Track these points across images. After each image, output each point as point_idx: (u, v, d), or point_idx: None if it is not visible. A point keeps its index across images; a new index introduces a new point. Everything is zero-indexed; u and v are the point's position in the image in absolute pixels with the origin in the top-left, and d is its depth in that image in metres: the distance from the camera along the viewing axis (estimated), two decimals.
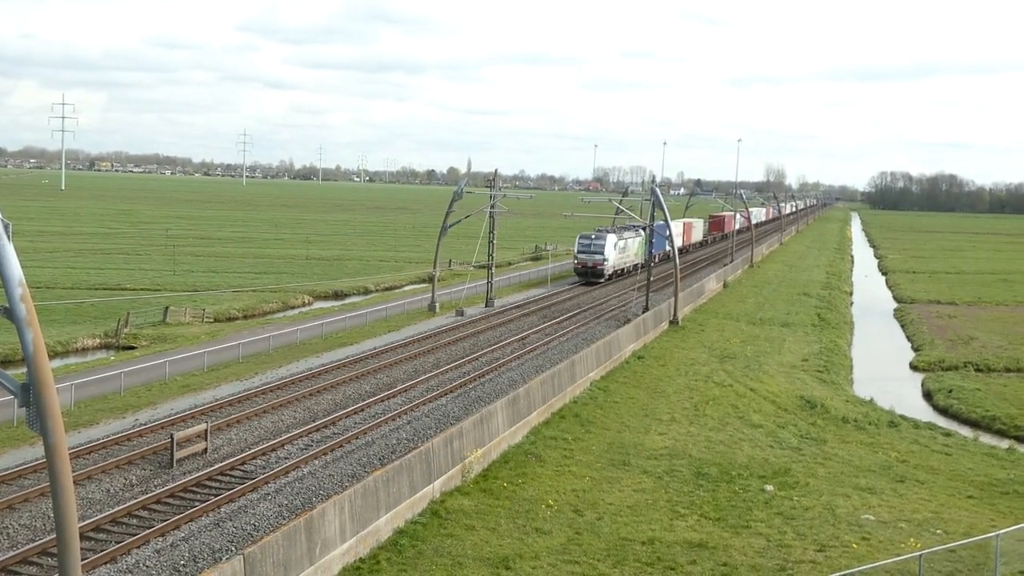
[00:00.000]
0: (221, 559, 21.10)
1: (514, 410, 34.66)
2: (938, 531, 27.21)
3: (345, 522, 23.14)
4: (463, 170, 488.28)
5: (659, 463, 32.87)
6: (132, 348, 52.25)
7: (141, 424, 32.50)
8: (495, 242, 67.69)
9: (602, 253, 77.87)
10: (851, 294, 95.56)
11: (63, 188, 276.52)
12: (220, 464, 27.77)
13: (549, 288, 77.54)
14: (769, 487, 30.64)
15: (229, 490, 25.68)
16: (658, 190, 68.71)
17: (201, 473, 26.94)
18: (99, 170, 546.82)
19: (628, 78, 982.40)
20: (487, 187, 68.27)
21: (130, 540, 21.85)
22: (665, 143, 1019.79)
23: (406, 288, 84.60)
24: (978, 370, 55.70)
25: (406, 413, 34.80)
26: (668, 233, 72.48)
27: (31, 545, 21.45)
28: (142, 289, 75.35)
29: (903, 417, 42.14)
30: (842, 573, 23.22)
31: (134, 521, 23.77)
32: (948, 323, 74.10)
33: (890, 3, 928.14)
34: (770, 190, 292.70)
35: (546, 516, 27.18)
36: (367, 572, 23.02)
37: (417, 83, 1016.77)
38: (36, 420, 16.50)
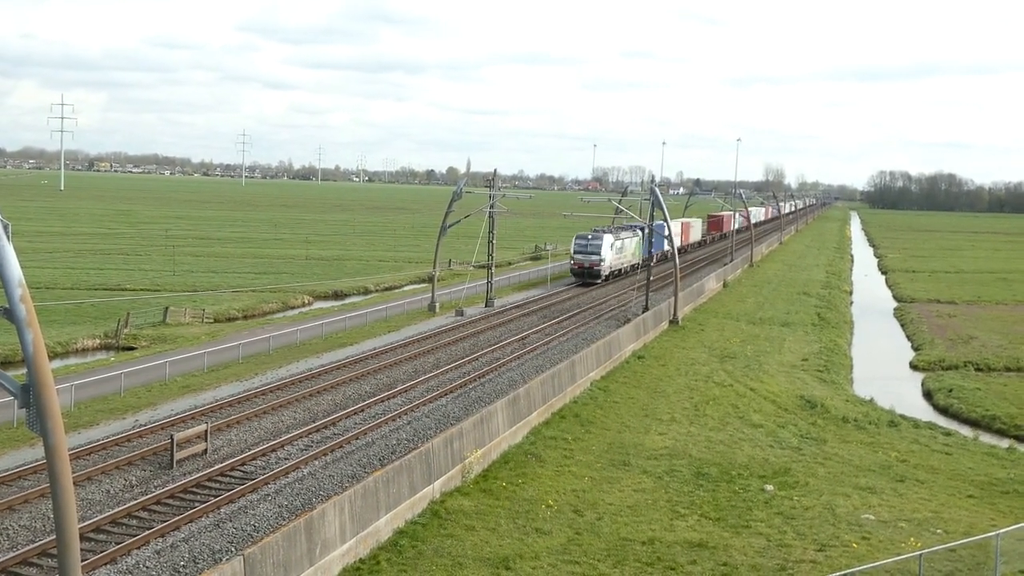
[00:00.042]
0: (221, 560, 21.09)
1: (514, 410, 34.65)
2: (938, 530, 27.21)
3: (345, 523, 23.14)
4: (462, 170, 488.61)
5: (659, 463, 32.87)
6: (132, 349, 52.23)
7: (141, 425, 32.50)
8: (495, 242, 67.67)
9: (599, 253, 77.37)
10: (851, 293, 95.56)
11: (62, 188, 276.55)
12: (220, 465, 27.76)
13: (549, 288, 77.53)
14: (769, 487, 30.64)
15: (229, 491, 25.67)
16: (657, 190, 68.71)
17: (201, 474, 26.93)
18: (98, 170, 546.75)
19: (628, 78, 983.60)
20: (486, 187, 68.26)
21: (130, 541, 21.85)
22: (664, 143, 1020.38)
23: (406, 288, 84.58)
24: (978, 369, 55.71)
25: (406, 413, 34.80)
26: (668, 233, 72.40)
27: (31, 546, 21.45)
28: (142, 289, 75.34)
29: (903, 417, 42.13)
30: (842, 573, 23.22)
31: (134, 522, 23.77)
32: (948, 322, 74.10)
33: (890, 3, 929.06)
34: (769, 190, 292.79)
35: (546, 516, 27.17)
36: (367, 573, 23.01)
37: (417, 83, 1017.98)
38: (36, 421, 16.49)
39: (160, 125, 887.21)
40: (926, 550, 24.03)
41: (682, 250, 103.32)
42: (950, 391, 49.14)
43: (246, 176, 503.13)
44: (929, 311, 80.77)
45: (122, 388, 38.39)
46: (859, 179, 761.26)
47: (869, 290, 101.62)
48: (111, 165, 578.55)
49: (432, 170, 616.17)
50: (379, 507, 24.77)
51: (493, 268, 67.60)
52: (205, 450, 29.26)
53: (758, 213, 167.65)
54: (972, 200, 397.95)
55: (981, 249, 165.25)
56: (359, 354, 45.82)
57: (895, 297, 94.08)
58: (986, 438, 40.42)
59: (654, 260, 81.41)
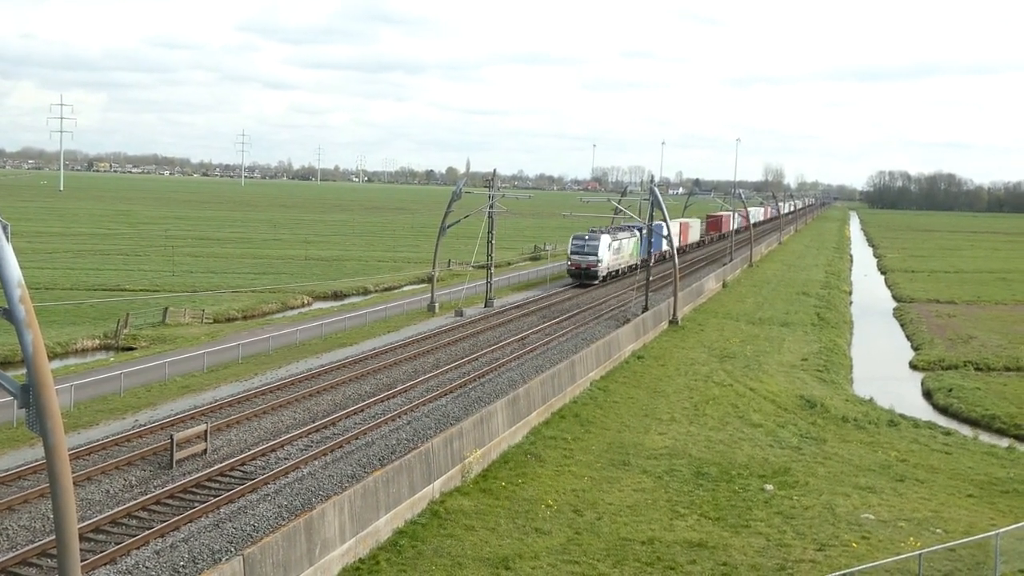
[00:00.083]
0: (221, 560, 21.09)
1: (514, 410, 34.65)
2: (938, 530, 27.21)
3: (345, 523, 23.13)
4: (462, 170, 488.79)
5: (659, 463, 32.87)
6: (131, 349, 52.23)
7: (141, 425, 32.49)
8: (494, 242, 67.66)
9: (596, 254, 76.81)
10: (850, 293, 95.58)
11: (62, 189, 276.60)
12: (220, 465, 27.76)
13: (548, 288, 77.51)
14: (769, 486, 30.64)
15: (229, 491, 25.66)
16: (656, 190, 68.68)
17: (201, 474, 26.92)
18: (98, 171, 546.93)
19: (628, 78, 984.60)
20: (486, 187, 68.25)
21: (130, 541, 21.84)
22: (664, 143, 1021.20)
23: (405, 288, 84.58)
24: (978, 369, 55.73)
25: (406, 413, 34.80)
26: (667, 233, 72.35)
27: (31, 546, 21.43)
28: (141, 290, 75.35)
29: (903, 416, 42.14)
30: (842, 572, 23.22)
31: (134, 522, 23.76)
32: (947, 322, 74.12)
33: (890, 3, 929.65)
34: (769, 189, 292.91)
35: (546, 516, 27.17)
36: (367, 573, 23.01)
37: (417, 83, 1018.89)
38: (36, 421, 16.49)
39: (160, 125, 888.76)
40: (926, 550, 24.04)
41: (680, 251, 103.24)
42: (950, 391, 49.16)
43: (245, 176, 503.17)
44: (928, 311, 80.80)
45: (122, 388, 38.38)
46: (858, 179, 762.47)
47: (868, 290, 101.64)
48: (110, 165, 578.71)
49: (432, 170, 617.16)
50: (379, 507, 24.77)
51: (492, 268, 67.59)
52: (205, 450, 29.25)
53: (757, 213, 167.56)
54: (971, 200, 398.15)
55: (980, 249, 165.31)
56: (359, 354, 45.82)
57: (894, 297, 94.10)
58: (986, 437, 40.43)
59: (653, 260, 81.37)
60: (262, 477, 26.78)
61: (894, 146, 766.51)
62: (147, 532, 22.44)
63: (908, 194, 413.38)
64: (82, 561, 18.38)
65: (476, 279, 76.11)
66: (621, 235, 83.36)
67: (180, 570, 20.74)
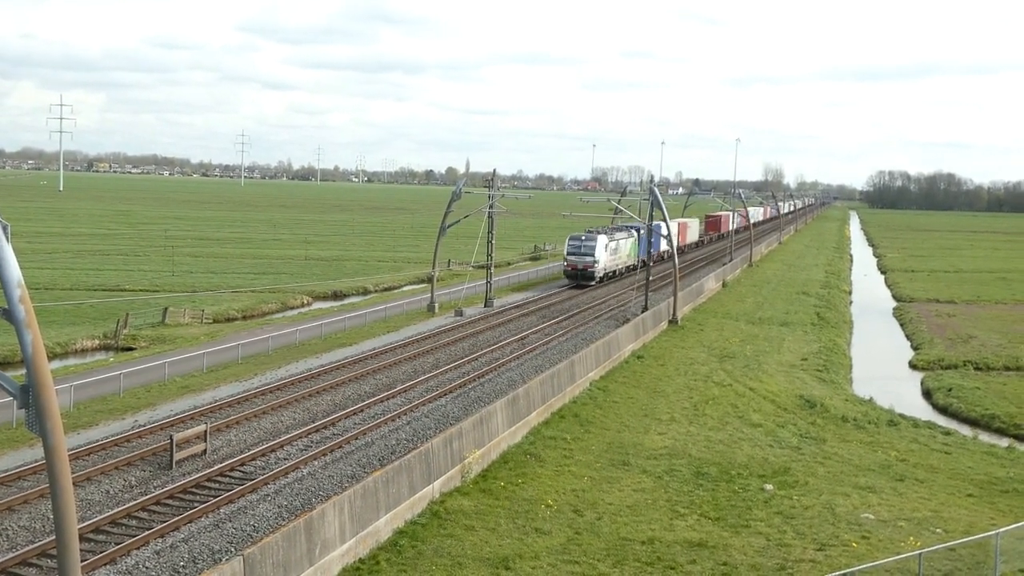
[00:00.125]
0: (221, 560, 21.08)
1: (513, 410, 34.65)
2: (938, 530, 27.21)
3: (345, 523, 23.13)
4: (462, 170, 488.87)
5: (659, 463, 32.87)
6: (131, 349, 52.23)
7: (140, 425, 32.48)
8: (494, 242, 67.66)
9: (592, 255, 76.20)
10: (850, 293, 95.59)
11: (61, 189, 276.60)
12: (220, 465, 27.75)
13: (548, 288, 77.48)
14: (769, 486, 30.64)
15: (229, 491, 25.66)
16: (656, 190, 68.66)
17: (200, 474, 26.92)
18: (97, 171, 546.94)
19: (628, 78, 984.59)
20: (485, 187, 68.26)
21: (129, 541, 21.84)
22: (664, 143, 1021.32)
23: (405, 288, 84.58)
24: (977, 368, 55.74)
25: (405, 414, 34.79)
26: (667, 233, 72.31)
27: (30, 547, 21.43)
28: (141, 290, 75.35)
29: (902, 416, 42.14)
30: (842, 572, 23.22)
31: (133, 522, 23.75)
32: (947, 322, 74.14)
33: (890, 3, 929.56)
34: (768, 189, 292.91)
35: (546, 516, 27.17)
36: (367, 573, 23.01)
37: (416, 83, 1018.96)
38: (35, 421, 16.49)
39: (159, 125, 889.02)
40: (926, 549, 24.04)
41: (679, 251, 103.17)
42: (949, 390, 49.16)
43: (245, 176, 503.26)
44: (928, 310, 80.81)
45: (121, 388, 38.38)
46: (858, 179, 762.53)
47: (868, 290, 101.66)
48: (110, 166, 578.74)
49: (431, 170, 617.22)
50: (379, 507, 24.77)
51: (492, 268, 67.59)
52: (204, 450, 29.24)
53: (756, 213, 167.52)
54: (971, 200, 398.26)
55: (980, 248, 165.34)
56: (358, 354, 45.81)
57: (894, 297, 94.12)
58: (985, 437, 40.44)
59: (652, 260, 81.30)
60: (262, 477, 26.78)
61: (894, 146, 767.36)
62: (147, 532, 22.44)
63: (908, 194, 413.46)
64: (82, 561, 18.37)
65: (476, 279, 76.11)
66: (618, 235, 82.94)
67: (180, 570, 20.74)
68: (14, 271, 16.35)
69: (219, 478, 27.12)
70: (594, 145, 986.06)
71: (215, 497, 25.26)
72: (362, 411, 35.10)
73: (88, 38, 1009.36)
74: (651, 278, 67.62)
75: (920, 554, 23.28)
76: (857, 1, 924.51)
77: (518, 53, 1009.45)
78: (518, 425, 34.87)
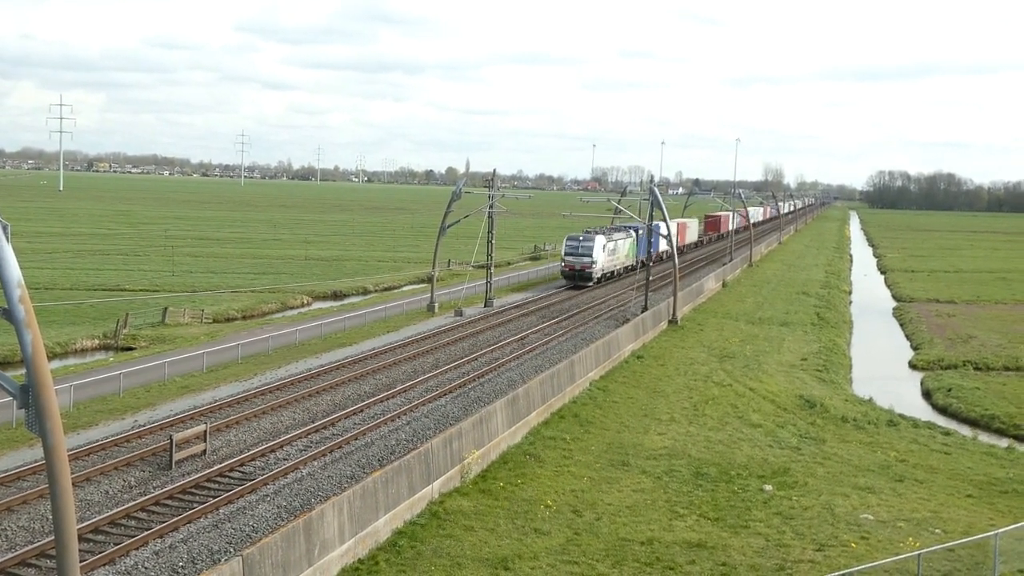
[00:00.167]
0: (220, 560, 21.10)
1: (513, 410, 34.65)
2: (937, 530, 27.22)
3: (344, 523, 23.14)
4: (461, 170, 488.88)
5: (658, 463, 32.87)
6: (131, 349, 52.24)
7: (140, 425, 32.49)
8: (494, 242, 67.67)
9: (590, 255, 75.68)
10: (850, 293, 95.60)
11: (61, 189, 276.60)
12: (219, 465, 27.76)
13: (548, 288, 77.48)
14: (768, 487, 30.64)
15: (228, 491, 25.66)
16: (656, 190, 68.64)
17: (200, 474, 26.92)
18: (97, 171, 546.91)
19: (628, 78, 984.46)
20: (485, 187, 68.27)
21: (129, 542, 21.84)
22: (664, 143, 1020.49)
23: (405, 288, 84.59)
24: (977, 369, 55.74)
25: (405, 414, 34.80)
26: (667, 233, 72.30)
27: (30, 547, 21.43)
28: (141, 290, 75.36)
29: (902, 416, 42.14)
30: (841, 572, 23.23)
31: (133, 523, 23.76)
32: (947, 322, 74.13)
33: (890, 3, 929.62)
34: (768, 189, 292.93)
35: (545, 516, 27.17)
36: (366, 573, 23.01)
37: (416, 83, 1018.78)
38: (35, 421, 16.50)
39: (159, 125, 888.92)
40: (925, 550, 24.05)
41: (677, 251, 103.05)
42: (949, 390, 49.16)
43: (245, 176, 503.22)
44: (928, 311, 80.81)
45: (121, 388, 38.38)
46: (858, 179, 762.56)
47: (868, 290, 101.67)
48: (110, 166, 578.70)
49: (431, 170, 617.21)
50: (378, 508, 24.78)
51: (492, 268, 67.60)
52: (204, 451, 29.25)
53: (756, 213, 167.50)
54: (971, 200, 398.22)
55: (980, 248, 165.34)
56: (358, 354, 45.82)
57: (894, 297, 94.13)
58: (985, 437, 40.43)
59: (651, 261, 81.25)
60: (261, 478, 26.79)
61: (894, 146, 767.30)
62: (146, 533, 22.45)
63: (908, 194, 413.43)
64: (81, 562, 18.38)
65: (476, 279, 76.11)
66: (616, 236, 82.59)
67: (179, 570, 20.74)
68: (14, 271, 16.35)
69: (219, 478, 27.13)
70: (594, 145, 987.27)
71: (214, 497, 25.27)
72: (362, 411, 35.10)
73: (88, 38, 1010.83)
74: (651, 278, 67.61)
75: (919, 555, 23.28)
76: (857, 1, 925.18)
77: (518, 53, 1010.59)
78: (518, 425, 34.88)
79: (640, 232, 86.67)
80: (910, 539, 26.28)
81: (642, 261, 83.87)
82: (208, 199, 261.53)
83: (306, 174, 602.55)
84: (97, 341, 54.42)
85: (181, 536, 22.59)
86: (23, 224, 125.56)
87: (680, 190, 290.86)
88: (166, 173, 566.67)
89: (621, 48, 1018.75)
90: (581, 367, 43.34)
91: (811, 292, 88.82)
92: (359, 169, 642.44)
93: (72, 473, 18.64)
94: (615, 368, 48.33)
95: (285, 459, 29.10)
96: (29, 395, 16.39)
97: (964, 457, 35.82)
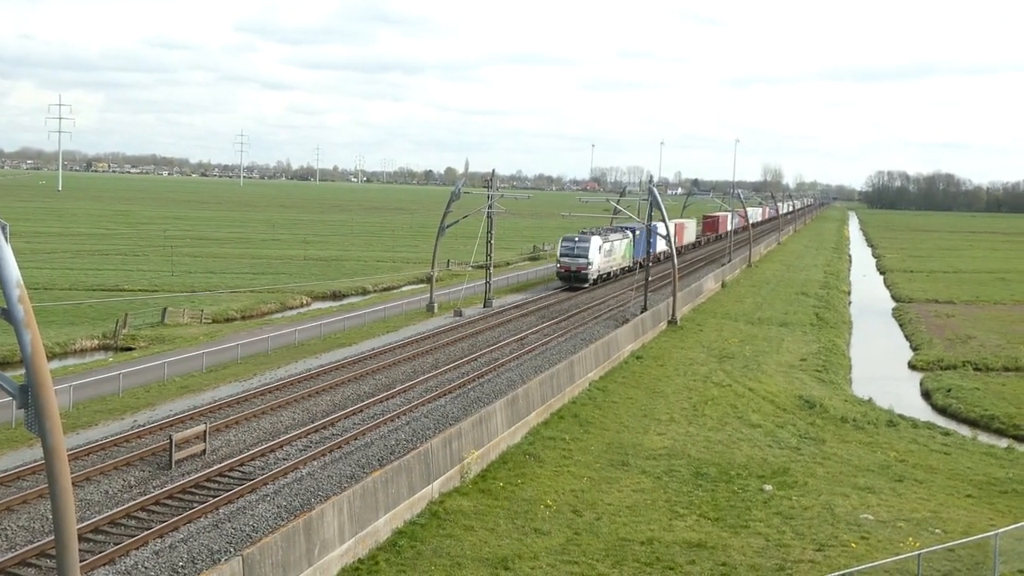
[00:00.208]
0: (220, 560, 21.09)
1: (513, 411, 34.65)
2: (937, 530, 27.22)
3: (344, 523, 23.13)
4: (461, 170, 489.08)
5: (658, 463, 32.87)
6: (130, 349, 52.22)
7: (140, 425, 32.48)
8: (493, 242, 67.67)
9: (586, 256, 75.13)
10: (849, 293, 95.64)
11: (60, 189, 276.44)
12: (219, 465, 27.75)
13: (547, 288, 77.46)
14: (768, 487, 30.65)
15: (228, 491, 25.66)
16: (655, 190, 68.64)
17: (200, 474, 26.92)
18: (96, 171, 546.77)
19: (627, 78, 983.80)
20: (484, 187, 68.26)
21: (129, 542, 21.84)
22: (663, 143, 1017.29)
23: (404, 288, 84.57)
24: (976, 369, 55.75)
25: (405, 414, 34.79)
26: (667, 233, 72.30)
27: (30, 547, 21.43)
28: (140, 290, 75.33)
29: (902, 416, 42.15)
30: (841, 573, 23.23)
31: (133, 523, 23.76)
32: (946, 322, 74.16)
33: (889, 3, 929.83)
34: (767, 190, 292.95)
35: (545, 516, 27.17)
36: (366, 573, 23.01)
37: (415, 83, 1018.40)
38: (34, 422, 16.49)
39: (158, 125, 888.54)
40: (925, 550, 24.05)
41: (676, 251, 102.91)
42: (948, 391, 49.17)
43: (244, 176, 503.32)
44: (927, 311, 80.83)
45: (120, 389, 38.37)
46: (857, 179, 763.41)
47: (867, 290, 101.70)
48: (109, 165, 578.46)
49: (430, 170, 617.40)
50: (378, 507, 24.77)
51: (491, 268, 67.61)
52: (204, 451, 29.24)
53: (755, 213, 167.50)
54: (970, 200, 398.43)
55: (979, 249, 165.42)
56: (358, 354, 45.81)
57: (893, 297, 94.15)
58: (984, 438, 40.44)
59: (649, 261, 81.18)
60: (261, 477, 26.78)
61: (893, 146, 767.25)
62: (146, 533, 22.44)
63: (907, 194, 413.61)
64: (81, 562, 18.37)
65: (475, 279, 76.08)
66: (613, 236, 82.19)
67: (179, 570, 20.74)
68: (13, 271, 16.34)
69: (218, 478, 27.13)
70: (593, 145, 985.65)
71: (214, 497, 25.27)
72: (361, 411, 35.10)
73: (87, 38, 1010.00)
74: (650, 278, 67.61)
75: (919, 555, 23.29)
76: (857, 1, 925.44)
77: (517, 53, 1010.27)
78: (517, 425, 34.87)
79: (637, 233, 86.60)
80: (910, 539, 26.28)
81: (639, 262, 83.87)
82: (207, 199, 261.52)
83: (305, 174, 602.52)
84: (96, 341, 54.39)
85: (181, 536, 22.59)
86: (22, 224, 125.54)
87: (679, 190, 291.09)
88: (165, 173, 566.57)
89: (620, 48, 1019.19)
90: (580, 367, 43.34)
91: (810, 292, 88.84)
92: (358, 169, 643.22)
93: (72, 473, 18.63)
94: (615, 368, 48.33)
95: (285, 459, 29.10)
96: (28, 395, 16.38)
97: (964, 457, 35.84)
